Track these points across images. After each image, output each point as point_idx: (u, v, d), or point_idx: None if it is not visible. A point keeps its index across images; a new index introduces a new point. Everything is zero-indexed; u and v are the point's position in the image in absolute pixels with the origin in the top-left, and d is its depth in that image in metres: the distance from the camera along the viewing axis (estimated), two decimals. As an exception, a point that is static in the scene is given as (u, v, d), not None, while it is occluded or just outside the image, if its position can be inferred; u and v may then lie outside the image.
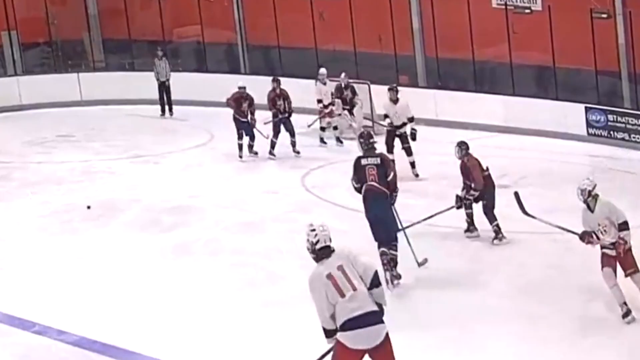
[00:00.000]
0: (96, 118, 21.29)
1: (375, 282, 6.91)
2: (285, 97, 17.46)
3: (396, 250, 10.41)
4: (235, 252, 11.77)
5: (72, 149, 18.33)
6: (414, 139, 15.62)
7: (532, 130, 18.82)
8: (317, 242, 7.02)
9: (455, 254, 11.82)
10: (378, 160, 10.37)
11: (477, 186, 12.05)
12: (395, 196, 10.50)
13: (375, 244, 10.44)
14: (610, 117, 18.30)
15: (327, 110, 18.44)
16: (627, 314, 9.38)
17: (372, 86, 19.29)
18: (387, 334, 6.83)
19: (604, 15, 18.59)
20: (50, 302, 9.98)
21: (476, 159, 12.29)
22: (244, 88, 17.16)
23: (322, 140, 18.29)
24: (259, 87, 20.56)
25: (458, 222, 13.10)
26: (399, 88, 16.35)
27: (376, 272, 6.98)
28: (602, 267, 9.54)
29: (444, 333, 9.19)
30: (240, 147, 16.84)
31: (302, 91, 19.69)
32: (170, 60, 22.52)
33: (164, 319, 9.54)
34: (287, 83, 19.25)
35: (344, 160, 16.36)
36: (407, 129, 15.82)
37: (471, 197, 12.18)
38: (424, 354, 8.80)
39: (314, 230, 7.08)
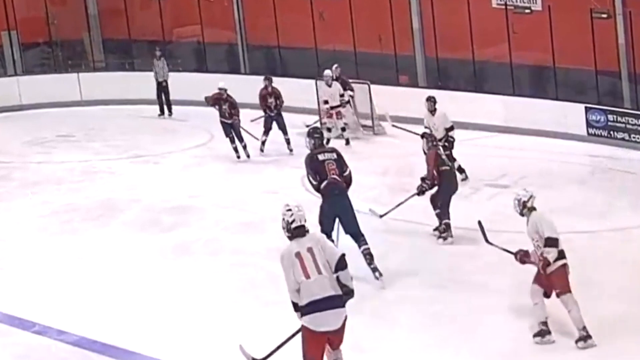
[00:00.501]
0: (96, 118, 21.29)
1: (341, 265, 7.24)
2: (276, 95, 17.61)
3: (367, 243, 10.44)
4: (235, 252, 11.76)
5: (72, 149, 18.33)
6: (451, 146, 15.01)
7: (532, 130, 18.82)
8: (293, 221, 7.31)
9: (455, 254, 11.81)
10: (335, 155, 10.39)
11: (427, 177, 12.15)
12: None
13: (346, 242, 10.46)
14: (610, 117, 18.29)
15: (334, 112, 18.53)
16: (539, 333, 8.89)
17: (372, 86, 19.27)
18: (345, 318, 7.22)
19: (604, 15, 18.59)
20: (50, 302, 9.97)
21: (436, 153, 12.26)
22: (225, 90, 17.18)
23: (328, 140, 18.37)
24: (258, 87, 20.59)
25: (456, 221, 13.11)
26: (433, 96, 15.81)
27: (342, 256, 7.30)
28: (533, 281, 9.02)
29: (444, 333, 9.20)
30: (236, 149, 16.84)
31: (302, 91, 19.72)
32: (170, 60, 22.52)
33: (164, 319, 9.54)
34: (287, 83, 19.31)
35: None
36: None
37: (424, 187, 12.21)
38: (425, 354, 8.80)
39: (290, 210, 7.36)
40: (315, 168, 10.25)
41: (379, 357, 8.71)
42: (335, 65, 18.70)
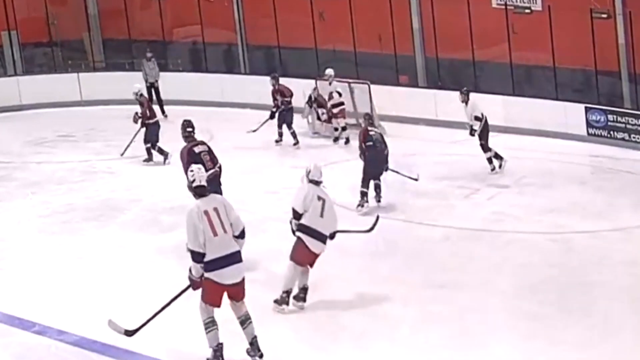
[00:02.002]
0: (96, 118, 21.28)
1: (242, 235, 8.12)
2: (281, 93, 18.20)
3: None
4: (235, 252, 11.75)
5: (72, 149, 18.32)
6: (471, 134, 15.92)
7: (532, 130, 18.83)
8: (194, 181, 8.09)
9: (455, 254, 11.82)
10: (206, 147, 11.15)
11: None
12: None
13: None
14: (610, 117, 18.31)
15: (336, 110, 18.60)
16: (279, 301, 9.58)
17: (372, 86, 19.27)
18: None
19: (604, 15, 18.60)
20: (50, 302, 9.96)
21: (365, 129, 14.06)
22: (138, 93, 17.50)
23: (335, 139, 18.46)
24: (259, 87, 20.65)
25: (457, 222, 13.12)
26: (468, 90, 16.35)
27: (244, 228, 8.13)
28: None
29: (445, 332, 9.19)
30: (153, 150, 17.00)
31: (302, 91, 19.71)
32: (170, 61, 22.53)
33: (164, 319, 9.53)
34: (287, 83, 19.27)
35: (346, 160, 16.40)
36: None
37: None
38: (425, 354, 8.80)
39: (192, 170, 8.18)
40: (193, 160, 10.63)
41: (379, 357, 8.71)
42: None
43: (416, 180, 14.57)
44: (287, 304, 9.64)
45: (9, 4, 23.62)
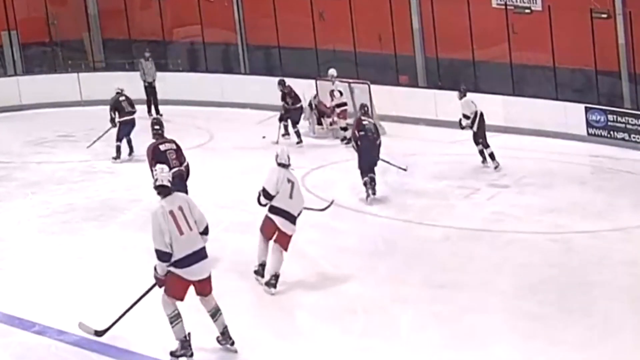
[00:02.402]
0: (96, 118, 21.22)
1: (206, 232, 8.36)
2: (288, 94, 18.54)
3: None
4: (235, 252, 11.74)
5: (72, 149, 18.31)
6: (461, 128, 16.68)
7: (532, 130, 18.83)
8: (156, 180, 8.31)
9: (455, 254, 11.82)
10: (174, 146, 11.25)
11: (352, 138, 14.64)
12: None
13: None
14: (610, 117, 18.31)
15: (338, 111, 18.62)
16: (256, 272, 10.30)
17: (372, 86, 19.27)
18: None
19: (604, 15, 18.61)
20: (50, 302, 9.96)
21: (359, 119, 14.48)
22: (122, 90, 18.01)
23: (344, 139, 18.50)
24: (259, 87, 20.68)
25: (457, 222, 13.12)
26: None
27: (207, 225, 8.38)
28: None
29: (445, 332, 9.19)
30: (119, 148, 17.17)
31: (302, 91, 19.71)
32: (170, 60, 22.51)
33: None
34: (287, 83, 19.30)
35: (346, 160, 16.40)
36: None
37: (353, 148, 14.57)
38: (425, 354, 8.80)
39: (156, 170, 8.43)
40: (158, 158, 10.82)
41: (379, 357, 8.71)
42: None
43: (405, 170, 15.00)
44: (262, 275, 10.32)
45: (9, 4, 23.61)
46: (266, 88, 20.50)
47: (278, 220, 10.16)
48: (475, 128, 16.35)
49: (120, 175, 16.13)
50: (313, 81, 20.09)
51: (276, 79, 19.67)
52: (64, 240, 12.36)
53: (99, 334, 8.73)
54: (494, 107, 19.45)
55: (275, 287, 10.10)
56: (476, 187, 15.02)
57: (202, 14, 23.64)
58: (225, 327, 8.51)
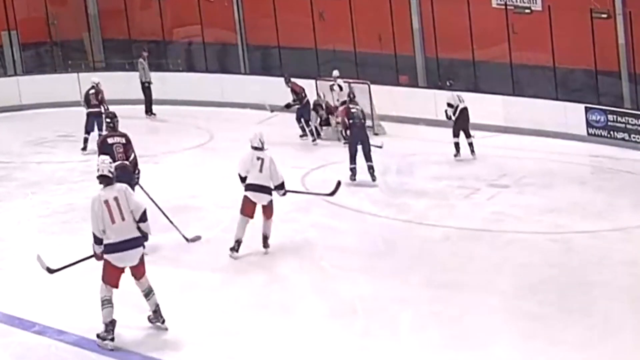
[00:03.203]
0: (96, 118, 21.25)
1: (142, 218, 8.72)
2: (293, 91, 18.93)
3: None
4: (235, 252, 11.76)
5: (72, 149, 18.30)
6: (447, 117, 17.51)
7: (532, 130, 18.83)
8: (98, 170, 8.76)
9: (455, 254, 11.82)
10: (124, 140, 11.45)
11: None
12: (139, 174, 11.57)
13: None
14: (610, 117, 18.31)
15: (341, 108, 18.62)
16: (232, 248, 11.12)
17: (372, 86, 19.27)
18: (142, 254, 8.78)
19: (604, 15, 18.61)
20: (50, 302, 9.96)
21: (347, 107, 15.50)
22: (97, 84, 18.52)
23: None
24: (259, 87, 20.66)
25: (457, 222, 13.12)
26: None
27: (145, 210, 8.76)
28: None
29: (445, 332, 9.19)
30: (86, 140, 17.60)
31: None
32: (170, 60, 22.51)
33: (164, 319, 9.54)
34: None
35: (344, 160, 16.39)
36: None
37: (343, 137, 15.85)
38: (425, 354, 8.80)
39: (98, 162, 8.89)
40: (104, 150, 11.06)
41: (379, 357, 8.71)
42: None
43: (380, 147, 15.66)
44: (237, 251, 11.24)
45: (9, 4, 23.61)
46: (266, 88, 20.53)
47: (252, 194, 11.19)
48: (454, 120, 17.07)
49: (120, 175, 16.11)
50: (313, 81, 20.09)
51: (276, 79, 19.72)
52: (64, 240, 12.34)
53: (50, 271, 9.35)
54: (494, 107, 19.48)
55: (266, 246, 11.38)
56: (476, 187, 15.02)
57: (202, 14, 23.64)
58: (157, 305, 9.01)
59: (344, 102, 18.71)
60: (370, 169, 15.07)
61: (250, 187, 11.24)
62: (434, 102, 19.90)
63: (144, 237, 8.82)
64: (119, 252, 8.67)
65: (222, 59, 24.62)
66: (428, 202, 14.22)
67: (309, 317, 9.63)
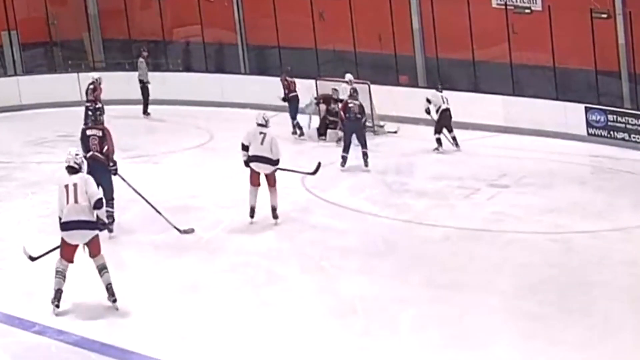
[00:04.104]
0: (96, 118, 21.25)
1: (97, 206, 9.57)
2: (285, 86, 19.33)
3: (113, 207, 12.33)
4: (235, 252, 11.77)
5: (72, 149, 18.28)
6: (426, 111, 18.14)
7: (532, 130, 18.83)
8: (66, 161, 9.72)
9: (455, 254, 11.82)
10: (100, 133, 12.25)
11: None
12: (114, 166, 12.19)
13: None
14: (610, 117, 18.31)
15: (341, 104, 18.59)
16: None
17: (372, 86, 19.25)
18: (95, 236, 9.66)
19: (604, 15, 18.60)
20: (50, 302, 9.95)
21: (345, 103, 16.55)
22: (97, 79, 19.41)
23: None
24: (259, 87, 20.65)
25: (457, 222, 13.12)
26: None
27: (99, 200, 9.62)
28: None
29: (445, 332, 9.19)
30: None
31: (302, 91, 19.71)
32: (170, 60, 22.50)
33: (164, 319, 9.54)
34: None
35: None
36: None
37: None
38: (425, 354, 8.80)
39: (66, 154, 9.79)
40: (83, 141, 12.34)
41: (379, 357, 8.71)
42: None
43: (395, 133, 18.02)
44: (252, 217, 12.68)
45: (9, 4, 23.59)
46: (266, 88, 20.52)
47: (254, 165, 12.62)
48: (436, 119, 17.69)
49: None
50: (313, 81, 20.09)
51: (276, 79, 19.72)
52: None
53: (32, 259, 10.08)
54: (494, 107, 19.48)
55: (275, 217, 12.71)
56: (476, 187, 15.02)
57: (202, 14, 23.63)
58: (109, 284, 9.69)
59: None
60: (365, 155, 16.15)
61: (252, 159, 12.62)
62: (434, 102, 19.90)
63: (101, 222, 9.69)
64: (69, 230, 9.52)
65: (222, 59, 24.61)
66: (428, 202, 14.22)
67: (309, 317, 9.63)
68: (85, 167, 10.02)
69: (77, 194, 9.53)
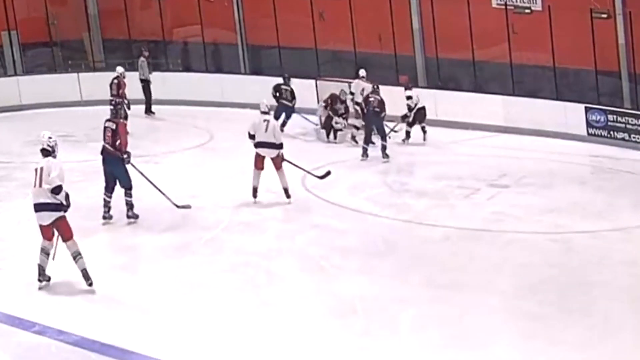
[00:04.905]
0: (96, 118, 21.15)
1: (55, 191, 10.03)
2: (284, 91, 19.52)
3: (131, 197, 12.93)
4: (235, 252, 11.77)
5: (72, 149, 18.27)
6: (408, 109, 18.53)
7: (532, 130, 18.83)
8: (40, 144, 10.20)
9: (455, 254, 11.82)
10: (114, 126, 12.72)
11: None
12: (128, 156, 12.71)
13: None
14: (610, 117, 18.31)
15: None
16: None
17: (372, 86, 19.23)
18: (58, 217, 10.15)
19: (604, 15, 18.60)
20: (50, 302, 9.97)
21: (367, 98, 17.39)
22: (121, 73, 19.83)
23: (353, 138, 18.40)
24: (259, 87, 20.64)
25: (457, 222, 13.13)
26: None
27: (58, 186, 10.01)
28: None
29: (445, 332, 9.20)
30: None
31: (302, 91, 19.72)
32: (170, 60, 22.49)
33: (164, 318, 9.54)
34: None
35: (344, 160, 16.42)
36: None
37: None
38: (425, 354, 8.80)
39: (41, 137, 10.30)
40: (103, 131, 12.86)
41: (379, 357, 8.71)
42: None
43: (396, 132, 18.07)
44: (255, 197, 13.74)
45: (9, 4, 23.57)
46: (266, 88, 20.50)
47: (260, 150, 13.70)
48: (411, 118, 18.26)
49: (120, 175, 16.10)
50: (313, 81, 20.10)
51: (276, 79, 19.70)
52: (64, 240, 12.34)
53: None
54: (494, 107, 19.48)
55: (288, 197, 13.80)
56: (476, 187, 15.02)
57: (202, 14, 23.63)
58: (84, 269, 10.18)
59: (359, 103, 18.69)
60: (383, 148, 16.79)
61: (258, 145, 13.69)
62: (434, 102, 19.89)
63: (64, 205, 10.17)
64: (36, 212, 10.12)
65: (222, 59, 24.60)
66: (428, 202, 14.22)
67: (309, 317, 9.64)
68: (58, 151, 10.35)
69: (42, 178, 10.01)
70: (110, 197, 12.89)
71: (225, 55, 24.51)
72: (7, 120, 21.53)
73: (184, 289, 10.42)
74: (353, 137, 18.32)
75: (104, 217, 12.86)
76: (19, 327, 9.34)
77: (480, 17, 19.82)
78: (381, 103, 17.02)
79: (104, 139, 12.70)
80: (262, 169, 13.78)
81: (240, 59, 23.93)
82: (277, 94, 19.14)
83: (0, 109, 21.95)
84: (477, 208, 13.95)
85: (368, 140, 16.98)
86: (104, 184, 12.83)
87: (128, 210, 12.91)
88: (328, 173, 14.54)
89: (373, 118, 16.96)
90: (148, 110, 21.49)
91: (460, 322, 9.44)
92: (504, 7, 19.83)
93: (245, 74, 23.56)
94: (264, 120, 13.81)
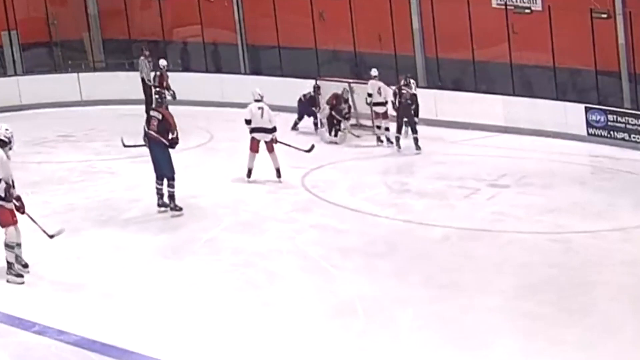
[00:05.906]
0: (96, 118, 21.28)
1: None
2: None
3: (173, 188, 13.20)
4: (235, 252, 11.76)
5: (72, 149, 18.31)
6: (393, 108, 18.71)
7: (532, 130, 18.83)
8: None
9: (455, 254, 11.82)
10: (160, 116, 13.21)
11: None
12: (175, 140, 13.14)
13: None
14: (610, 117, 18.32)
15: (379, 110, 18.44)
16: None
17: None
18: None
19: (604, 15, 18.61)
20: (50, 302, 9.97)
21: (399, 90, 17.98)
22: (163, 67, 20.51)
23: (379, 139, 18.34)
24: (259, 87, 20.61)
25: (457, 222, 13.13)
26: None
27: (11, 183, 10.69)
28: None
29: (445, 332, 9.19)
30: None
31: (302, 91, 19.72)
32: (170, 60, 22.47)
33: (164, 319, 9.54)
34: (286, 83, 19.28)
35: (344, 160, 16.41)
36: None
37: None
38: (425, 354, 8.80)
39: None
40: (147, 119, 13.43)
41: (379, 357, 8.71)
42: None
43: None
44: (249, 177, 14.95)
45: (9, 4, 23.59)
46: (266, 88, 20.48)
47: (256, 134, 14.83)
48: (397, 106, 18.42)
49: (120, 175, 16.12)
50: (313, 81, 20.09)
51: (276, 79, 19.73)
52: (64, 240, 12.34)
53: (50, 237, 11.08)
54: (494, 107, 19.48)
55: (279, 176, 14.92)
56: (476, 187, 15.02)
57: (202, 14, 23.65)
58: (17, 257, 10.49)
59: (379, 104, 18.56)
60: (416, 140, 17.52)
61: (254, 130, 14.82)
62: (434, 102, 19.92)
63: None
64: None
65: (222, 59, 24.61)
66: (428, 202, 14.22)
67: (309, 317, 9.63)
68: (14, 143, 11.09)
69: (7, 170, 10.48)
70: (161, 185, 13.23)
71: (225, 55, 24.52)
72: (7, 120, 21.29)
73: (184, 289, 10.42)
74: (378, 138, 18.31)
75: (159, 205, 13.25)
76: (19, 327, 9.33)
77: (481, 17, 19.84)
78: (413, 96, 17.88)
79: (149, 127, 13.14)
80: (257, 151, 14.88)
81: (240, 59, 23.94)
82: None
83: (0, 109, 21.93)
84: (477, 208, 13.95)
85: (400, 130, 17.82)
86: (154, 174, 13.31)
87: (170, 202, 13.16)
88: (312, 147, 15.78)
89: (405, 110, 17.65)
90: (148, 110, 21.49)
91: (460, 322, 9.43)
92: (504, 7, 19.84)
93: (245, 74, 23.57)
94: (259, 108, 14.83)
